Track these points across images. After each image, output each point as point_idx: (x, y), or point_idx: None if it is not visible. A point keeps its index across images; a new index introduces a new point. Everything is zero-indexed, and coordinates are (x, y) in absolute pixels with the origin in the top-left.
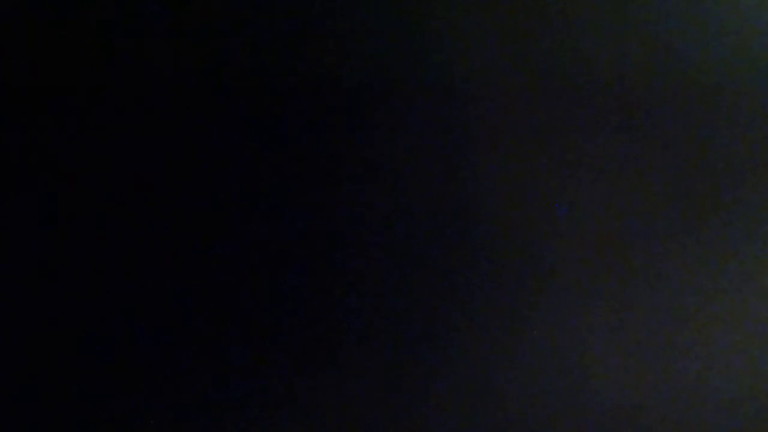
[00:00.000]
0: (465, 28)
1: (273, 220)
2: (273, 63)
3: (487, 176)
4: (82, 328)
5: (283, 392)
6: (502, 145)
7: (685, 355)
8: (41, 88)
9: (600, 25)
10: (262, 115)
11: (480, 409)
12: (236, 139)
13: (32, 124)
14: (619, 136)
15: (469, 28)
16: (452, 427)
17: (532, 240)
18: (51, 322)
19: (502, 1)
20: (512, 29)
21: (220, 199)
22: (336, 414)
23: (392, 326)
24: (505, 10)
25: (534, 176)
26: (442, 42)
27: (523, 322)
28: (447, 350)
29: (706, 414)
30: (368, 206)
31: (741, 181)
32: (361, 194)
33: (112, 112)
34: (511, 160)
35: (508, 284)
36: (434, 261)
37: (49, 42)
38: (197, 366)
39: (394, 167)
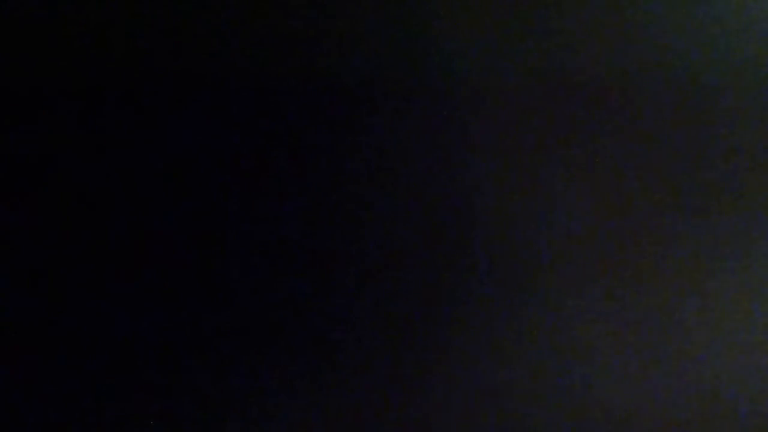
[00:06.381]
0: (464, 28)
1: (271, 219)
2: (272, 62)
3: (486, 175)
4: (80, 327)
5: (283, 392)
6: (502, 144)
7: (685, 355)
8: (41, 88)
9: (599, 25)
10: (259, 114)
11: (478, 409)
12: (234, 139)
13: (32, 124)
14: (619, 135)
15: (468, 28)
16: (450, 427)
17: (532, 240)
18: (50, 322)
19: (501, 1)
20: (511, 29)
21: (219, 199)
22: (335, 414)
23: (391, 325)
24: (505, 10)
25: (533, 176)
26: (442, 42)
27: (523, 322)
28: (445, 350)
29: (706, 414)
30: (366, 205)
31: (741, 181)
32: (358, 193)
33: (109, 111)
34: (511, 159)
35: (507, 284)
36: (432, 260)
37: (48, 42)
38: (197, 366)
39: (392, 166)
